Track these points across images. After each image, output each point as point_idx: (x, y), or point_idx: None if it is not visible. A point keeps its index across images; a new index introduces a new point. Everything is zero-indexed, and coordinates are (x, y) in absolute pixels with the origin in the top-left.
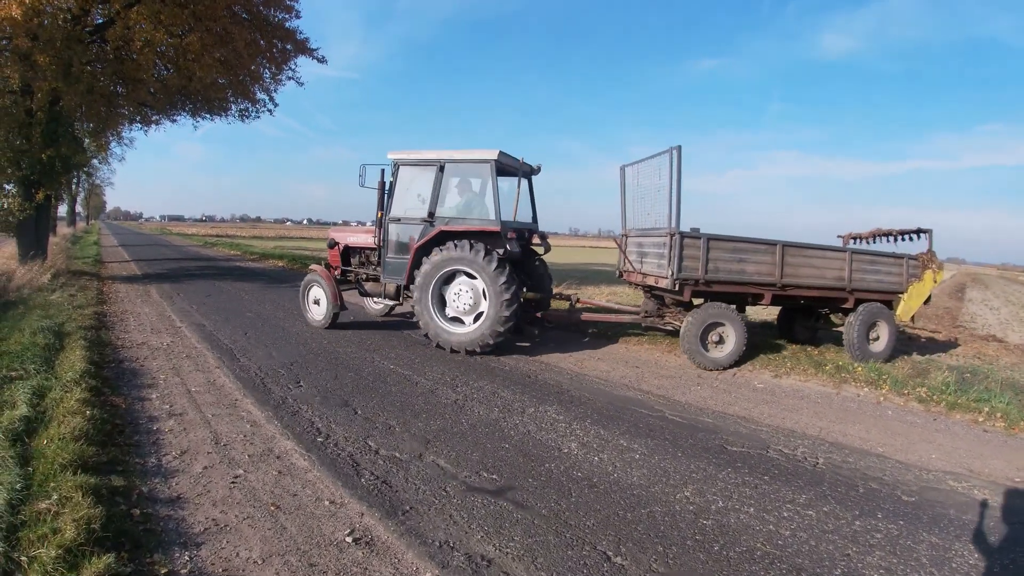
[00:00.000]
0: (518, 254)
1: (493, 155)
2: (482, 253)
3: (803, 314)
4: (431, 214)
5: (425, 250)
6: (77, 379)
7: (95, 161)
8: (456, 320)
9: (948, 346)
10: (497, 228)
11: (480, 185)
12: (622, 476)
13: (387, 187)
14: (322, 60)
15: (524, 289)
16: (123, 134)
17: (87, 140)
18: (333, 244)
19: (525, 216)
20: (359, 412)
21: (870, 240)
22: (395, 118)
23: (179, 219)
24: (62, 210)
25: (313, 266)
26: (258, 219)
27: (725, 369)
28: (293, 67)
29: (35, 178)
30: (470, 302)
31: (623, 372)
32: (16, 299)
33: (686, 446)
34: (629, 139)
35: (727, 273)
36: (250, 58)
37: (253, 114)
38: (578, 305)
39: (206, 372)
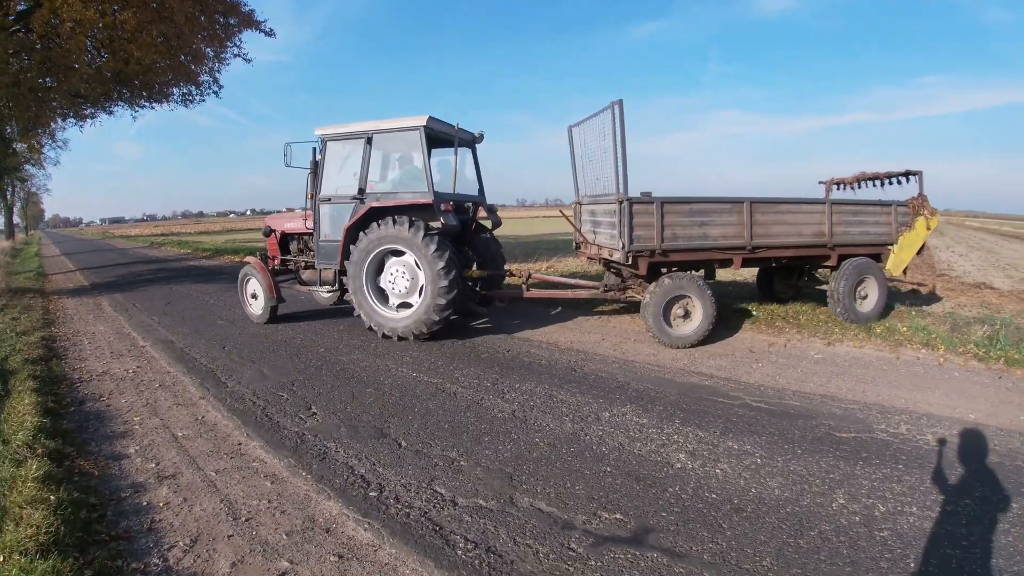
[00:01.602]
0: (455, 227)
1: (422, 121)
2: (410, 227)
3: (783, 272)
4: (361, 191)
5: (357, 230)
6: (31, 441)
7: (28, 167)
8: (405, 305)
9: (941, 297)
10: (429, 200)
11: (413, 156)
12: (762, 490)
13: (316, 166)
14: (270, 33)
15: (474, 266)
16: (56, 133)
17: (17, 143)
18: (269, 232)
19: (470, 188)
20: (404, 444)
21: (854, 186)
22: (334, 101)
23: (120, 221)
24: None
25: (248, 257)
26: (200, 214)
27: (693, 346)
28: (238, 43)
29: None
30: (407, 283)
31: (670, 354)
32: None
33: (797, 439)
34: (575, 107)
35: (687, 239)
36: (192, 34)
37: (197, 98)
38: (532, 281)
39: (190, 406)
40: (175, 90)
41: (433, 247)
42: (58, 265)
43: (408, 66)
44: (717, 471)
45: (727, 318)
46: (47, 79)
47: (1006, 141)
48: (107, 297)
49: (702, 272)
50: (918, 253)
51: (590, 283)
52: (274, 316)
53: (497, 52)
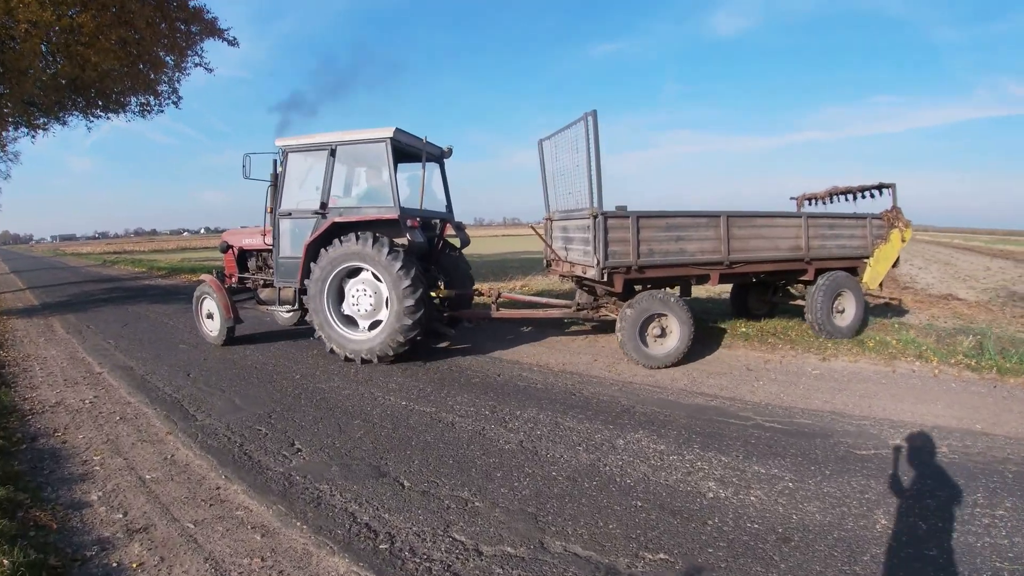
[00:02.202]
0: (421, 244)
1: (388, 133)
2: (374, 243)
3: (758, 288)
4: (323, 205)
5: (318, 247)
6: None
7: None
8: (376, 324)
9: (908, 310)
10: (395, 215)
11: (379, 170)
12: (802, 516)
13: (276, 178)
14: (233, 42)
15: (441, 285)
16: (7, 145)
17: None
18: (226, 248)
19: (438, 204)
20: (407, 484)
21: (827, 200)
22: (291, 117)
23: (72, 238)
24: None
25: (203, 275)
26: (153, 231)
27: (670, 367)
28: (200, 52)
29: None
30: (371, 303)
31: (667, 374)
32: None
33: (821, 459)
34: (535, 124)
35: (664, 255)
36: (152, 40)
37: (155, 109)
38: (502, 300)
39: (157, 443)
40: (132, 99)
41: (398, 265)
42: (6, 283)
43: (366, 83)
44: (752, 499)
45: (716, 336)
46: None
47: (956, 157)
48: (59, 318)
49: (678, 289)
50: (893, 266)
51: (561, 302)
52: (231, 337)
53: (454, 70)
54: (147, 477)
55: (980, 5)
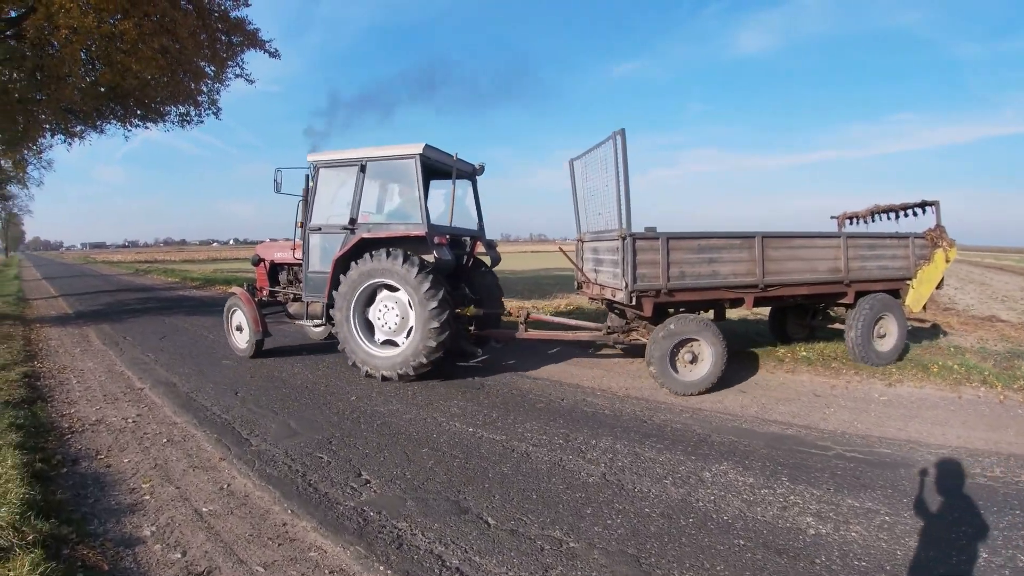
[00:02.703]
0: (449, 262)
1: (417, 149)
2: (404, 261)
3: (797, 311)
4: (352, 220)
5: (346, 262)
6: (17, 522)
7: (12, 186)
8: (389, 343)
9: (958, 331)
10: (422, 232)
11: (408, 186)
12: (907, 552)
13: (307, 193)
14: (275, 54)
15: (471, 305)
16: (43, 149)
17: (4, 161)
18: (257, 261)
19: (469, 221)
20: (492, 522)
21: (868, 219)
22: (323, 132)
23: (102, 246)
24: None
25: (234, 288)
26: (183, 242)
27: (702, 393)
28: (240, 63)
29: None
30: (397, 320)
31: (735, 400)
32: None
33: (910, 491)
34: (558, 143)
35: (695, 278)
36: (194, 50)
37: (195, 119)
38: (530, 320)
39: (210, 470)
40: (172, 109)
41: (427, 285)
42: (40, 290)
43: (395, 99)
44: (853, 535)
45: (778, 360)
46: (38, 93)
47: (980, 175)
48: (94, 328)
49: (711, 313)
50: (937, 287)
51: (591, 324)
52: (259, 350)
53: (477, 86)
54: (204, 510)
55: (1002, 21)
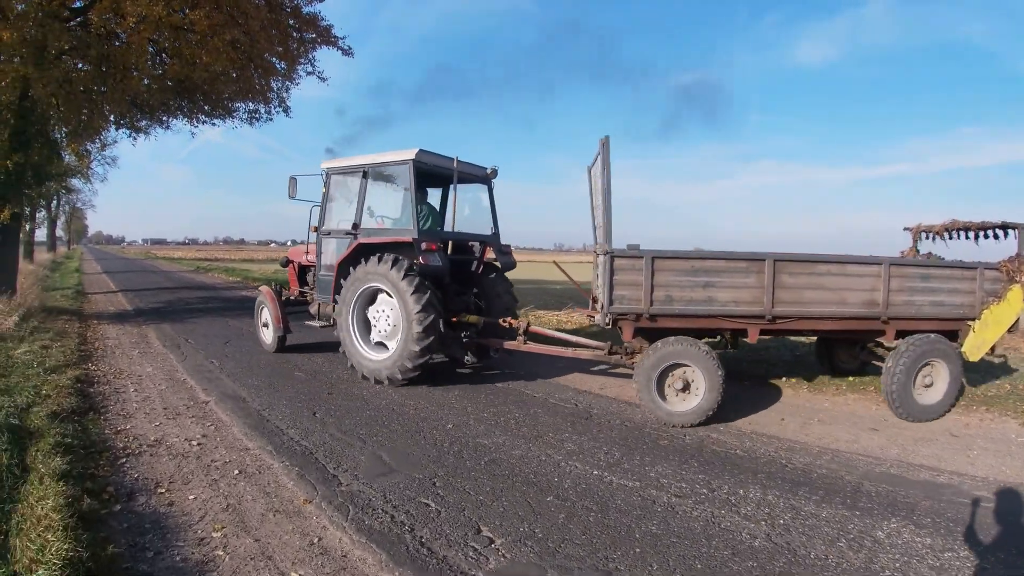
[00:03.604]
0: (439, 268)
1: (411, 155)
2: (393, 265)
3: (845, 341)
4: (355, 225)
5: (348, 265)
6: None
7: (75, 181)
8: (381, 344)
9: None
10: (409, 238)
11: (405, 191)
12: None
13: (321, 198)
14: (348, 52)
15: (474, 313)
16: (106, 143)
17: (66, 153)
18: (287, 263)
19: (483, 226)
20: None
21: (944, 236)
22: (380, 135)
23: (162, 242)
24: (41, 234)
25: (262, 286)
26: (241, 241)
27: (694, 426)
28: (312, 60)
29: None
30: (390, 324)
31: (872, 440)
32: None
33: None
34: (615, 155)
35: (686, 303)
36: (266, 44)
37: (264, 117)
38: (531, 332)
39: (295, 516)
40: (241, 106)
41: (412, 289)
42: (99, 284)
43: (452, 102)
44: None
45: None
46: (101, 85)
47: None
48: (154, 327)
49: (702, 341)
50: (1009, 331)
51: (594, 343)
52: (282, 346)
53: (536, 91)
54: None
55: None
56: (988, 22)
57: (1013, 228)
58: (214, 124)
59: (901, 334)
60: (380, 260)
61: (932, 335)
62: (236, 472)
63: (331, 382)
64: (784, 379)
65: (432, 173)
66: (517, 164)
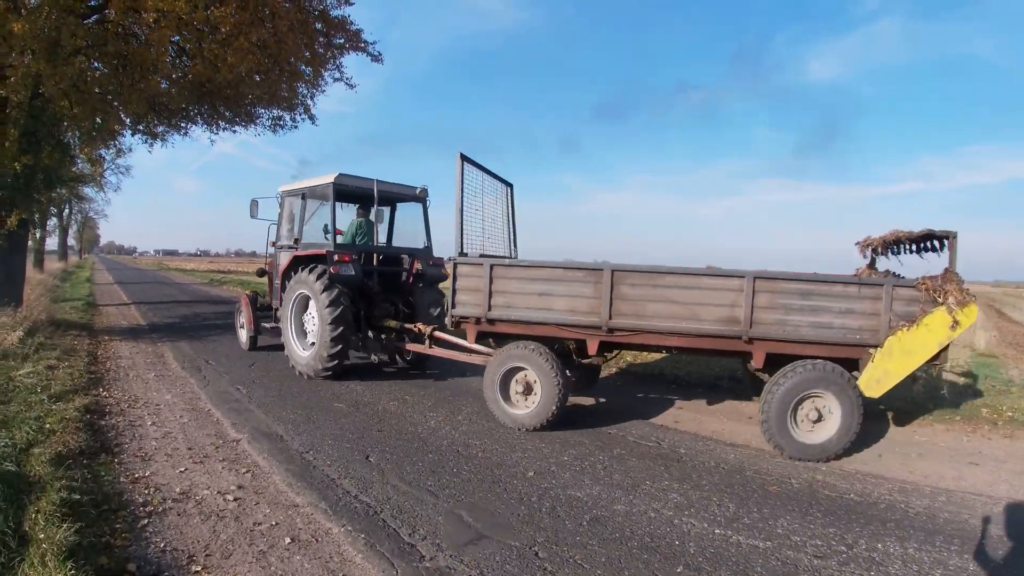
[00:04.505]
0: (352, 277)
1: (331, 178)
2: (312, 274)
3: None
4: (296, 240)
5: (288, 275)
6: None
7: (88, 189)
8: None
9: None
10: (323, 251)
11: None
12: None
13: (279, 217)
14: (377, 58)
15: (392, 318)
16: (122, 148)
17: (79, 159)
18: (263, 273)
19: (418, 241)
20: None
21: (882, 251)
22: (392, 152)
23: (174, 253)
24: (52, 243)
25: (241, 293)
26: (253, 253)
27: (536, 430)
28: (339, 66)
29: (5, 196)
30: (315, 326)
31: (975, 474)
32: None
33: None
34: (625, 169)
35: (524, 310)
36: (294, 47)
37: (289, 124)
38: (436, 337)
39: None
40: (264, 112)
41: (326, 296)
42: (111, 295)
43: (467, 118)
44: None
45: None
46: (118, 86)
47: None
48: (170, 345)
49: (542, 347)
50: (931, 361)
51: (484, 348)
52: (254, 345)
53: (546, 110)
54: None
55: None
56: (997, 37)
57: (943, 238)
58: (234, 131)
59: (777, 358)
60: (310, 270)
61: (820, 362)
62: (287, 540)
63: (378, 415)
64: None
65: (358, 194)
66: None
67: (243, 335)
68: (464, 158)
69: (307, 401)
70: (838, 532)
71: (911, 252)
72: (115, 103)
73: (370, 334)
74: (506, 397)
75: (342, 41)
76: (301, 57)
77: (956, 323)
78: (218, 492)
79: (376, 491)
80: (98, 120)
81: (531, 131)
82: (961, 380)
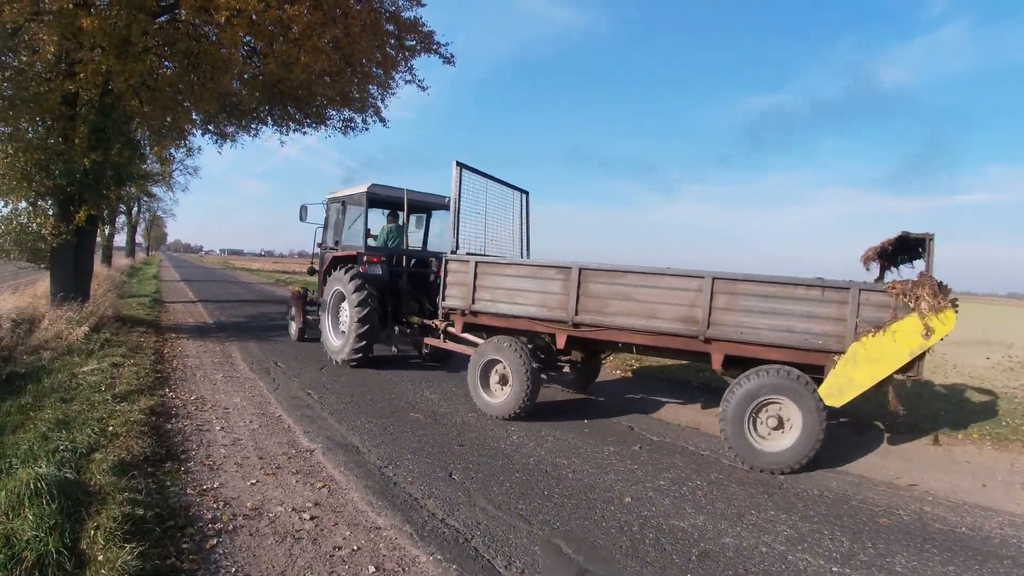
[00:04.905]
0: (380, 277)
1: (364, 188)
2: (346, 273)
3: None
4: (336, 242)
5: (327, 274)
6: None
7: (157, 189)
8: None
9: None
10: (353, 253)
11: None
12: None
13: (325, 221)
14: (450, 60)
15: (414, 315)
16: (192, 148)
17: (150, 157)
18: (313, 271)
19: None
20: None
21: (887, 262)
22: (450, 156)
23: (239, 253)
24: (121, 240)
25: (292, 289)
26: (314, 255)
27: (509, 419)
28: (411, 68)
29: (74, 191)
30: (347, 319)
31: None
32: (27, 368)
33: None
34: (685, 178)
35: (502, 304)
36: (367, 47)
37: (360, 127)
38: (449, 333)
39: None
40: (335, 114)
41: (356, 296)
42: (177, 292)
43: (523, 125)
44: None
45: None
46: (189, 84)
47: None
48: (238, 345)
49: (519, 341)
50: (902, 372)
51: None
52: (302, 336)
53: (605, 118)
54: None
55: None
56: None
57: (919, 241)
58: (305, 132)
59: (738, 361)
60: (345, 270)
61: (779, 367)
62: (371, 569)
63: (457, 428)
64: (949, 431)
65: (390, 202)
66: (579, 189)
67: (293, 327)
68: (462, 166)
69: (382, 409)
70: (957, 570)
71: (916, 259)
72: (186, 102)
73: (395, 329)
74: (485, 387)
75: (414, 43)
76: (372, 58)
77: (930, 330)
78: (293, 509)
79: (464, 514)
80: (168, 118)
81: (583, 136)
82: None
